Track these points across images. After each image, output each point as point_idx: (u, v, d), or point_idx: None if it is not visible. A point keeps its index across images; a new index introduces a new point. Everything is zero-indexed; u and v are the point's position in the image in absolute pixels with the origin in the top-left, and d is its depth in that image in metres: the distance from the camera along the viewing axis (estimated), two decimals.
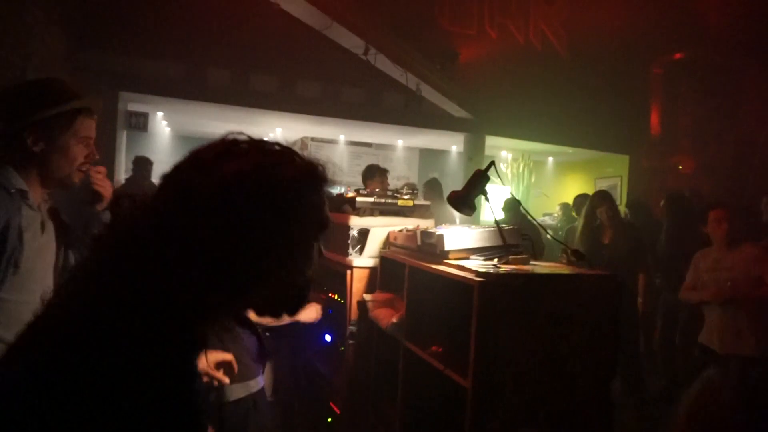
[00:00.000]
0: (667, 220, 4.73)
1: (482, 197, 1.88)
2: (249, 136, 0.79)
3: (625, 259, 4.16)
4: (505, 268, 1.75)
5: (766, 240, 3.88)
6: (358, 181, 9.75)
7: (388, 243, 2.48)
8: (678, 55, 8.75)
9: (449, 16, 7.20)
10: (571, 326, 1.73)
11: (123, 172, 6.86)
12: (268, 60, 6.62)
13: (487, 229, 2.00)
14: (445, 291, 1.94)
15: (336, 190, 2.67)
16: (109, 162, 5.79)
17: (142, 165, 6.13)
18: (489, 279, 1.64)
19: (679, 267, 3.88)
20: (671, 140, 8.70)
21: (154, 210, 0.72)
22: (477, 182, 1.86)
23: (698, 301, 3.42)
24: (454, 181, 7.99)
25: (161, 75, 6.44)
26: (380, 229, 2.51)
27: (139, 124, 6.95)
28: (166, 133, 9.29)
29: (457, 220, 5.15)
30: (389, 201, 2.64)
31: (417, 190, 3.12)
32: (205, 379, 1.37)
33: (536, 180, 9.76)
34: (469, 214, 1.91)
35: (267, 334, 3.06)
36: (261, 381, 2.25)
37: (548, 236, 2.24)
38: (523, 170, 9.29)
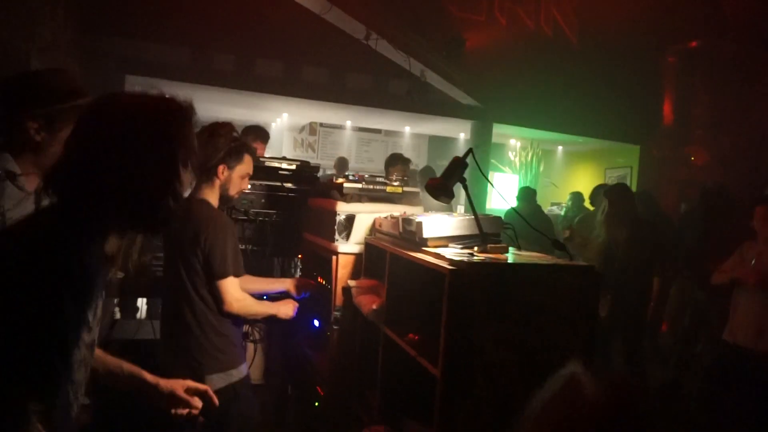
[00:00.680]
0: (703, 214, 4.63)
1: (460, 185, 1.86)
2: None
3: (642, 259, 4.06)
4: (479, 257, 1.74)
5: None
6: (368, 167, 9.74)
7: (374, 229, 2.48)
8: (692, 44, 8.55)
9: (458, 2, 7.10)
10: (545, 317, 1.71)
11: None
12: (274, 45, 6.61)
13: (467, 217, 1.99)
14: (424, 279, 1.93)
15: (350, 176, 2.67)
16: None
17: None
18: (460, 267, 1.62)
19: (708, 263, 3.86)
20: (684, 130, 8.53)
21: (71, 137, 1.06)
22: (455, 170, 1.84)
23: (733, 282, 3.41)
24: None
25: (167, 59, 6.46)
26: (366, 215, 2.51)
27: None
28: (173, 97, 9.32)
29: (461, 209, 5.13)
30: (377, 187, 2.63)
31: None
32: (181, 411, 1.39)
33: (545, 169, 9.66)
34: (447, 202, 1.89)
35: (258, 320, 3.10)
36: (244, 369, 2.26)
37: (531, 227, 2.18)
38: (532, 159, 9.19)
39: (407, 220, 2.05)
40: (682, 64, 8.50)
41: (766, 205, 3.37)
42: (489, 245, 1.83)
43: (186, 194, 1.99)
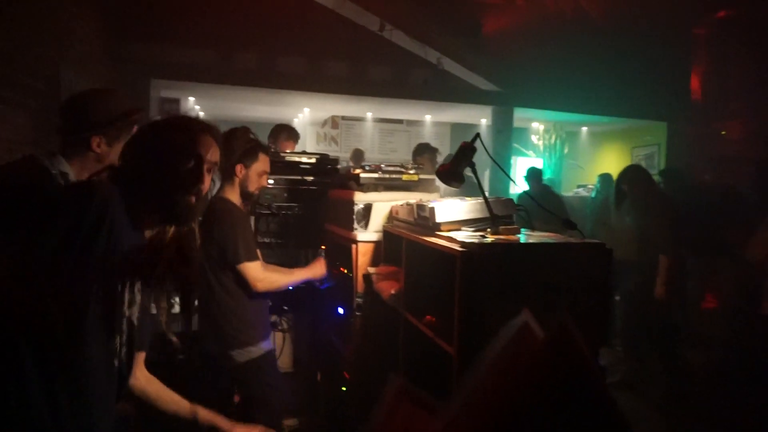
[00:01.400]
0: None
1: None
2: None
3: (654, 236, 4.02)
4: (490, 239, 1.78)
5: None
6: (391, 158, 9.78)
7: (391, 217, 2.54)
8: (722, 14, 8.27)
9: None
10: (557, 295, 1.75)
11: None
12: (294, 42, 6.71)
13: (479, 201, 2.03)
14: (438, 262, 1.99)
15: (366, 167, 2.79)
16: None
17: None
18: (470, 249, 1.67)
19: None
20: (714, 105, 8.29)
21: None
22: (463, 155, 1.89)
23: None
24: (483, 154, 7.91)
25: (191, 61, 6.64)
26: (383, 204, 2.57)
27: (172, 109, 7.20)
28: (200, 117, 9.56)
29: (487, 193, 5.16)
30: (394, 176, 2.69)
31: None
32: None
33: (569, 151, 9.53)
34: (457, 187, 1.94)
35: (285, 308, 3.22)
36: (264, 346, 2.47)
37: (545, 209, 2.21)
38: (555, 142, 9.08)
39: (421, 207, 2.11)
40: (712, 36, 8.23)
41: None
42: (501, 227, 1.87)
43: (211, 194, 2.27)
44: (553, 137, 9.11)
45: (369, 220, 2.57)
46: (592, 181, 7.72)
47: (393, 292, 2.20)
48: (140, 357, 1.42)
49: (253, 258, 2.41)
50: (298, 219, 3.31)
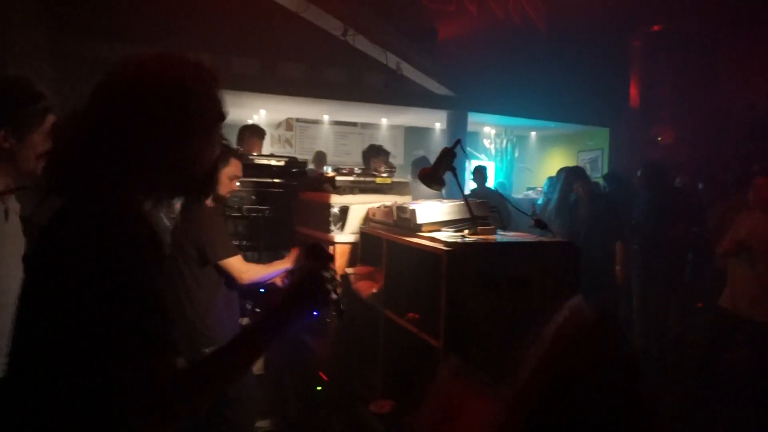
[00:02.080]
0: (647, 192, 4.94)
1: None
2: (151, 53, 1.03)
3: (602, 230, 4.35)
4: (471, 238, 1.89)
5: None
6: (345, 160, 9.82)
7: (367, 219, 2.62)
8: (656, 27, 8.86)
9: None
10: (533, 290, 1.88)
11: None
12: (249, 43, 6.65)
13: (457, 202, 2.14)
14: (420, 261, 2.08)
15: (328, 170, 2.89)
16: None
17: None
18: (456, 248, 1.78)
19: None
20: (650, 112, 8.86)
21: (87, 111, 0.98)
22: (443, 160, 1.99)
23: (735, 253, 3.54)
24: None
25: None
26: (359, 206, 2.65)
27: None
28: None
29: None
30: (368, 179, 2.77)
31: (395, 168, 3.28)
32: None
33: (520, 154, 9.90)
34: (439, 189, 2.05)
35: (257, 310, 3.22)
36: None
37: (512, 207, 2.38)
38: (506, 145, 9.42)
39: (401, 208, 2.19)
40: (647, 48, 8.80)
41: (766, 177, 3.58)
42: (479, 227, 1.99)
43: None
44: (504, 141, 9.45)
45: (346, 222, 2.63)
46: (540, 183, 8.07)
47: (374, 291, 2.27)
48: None
49: (232, 253, 2.48)
50: (267, 221, 3.33)
